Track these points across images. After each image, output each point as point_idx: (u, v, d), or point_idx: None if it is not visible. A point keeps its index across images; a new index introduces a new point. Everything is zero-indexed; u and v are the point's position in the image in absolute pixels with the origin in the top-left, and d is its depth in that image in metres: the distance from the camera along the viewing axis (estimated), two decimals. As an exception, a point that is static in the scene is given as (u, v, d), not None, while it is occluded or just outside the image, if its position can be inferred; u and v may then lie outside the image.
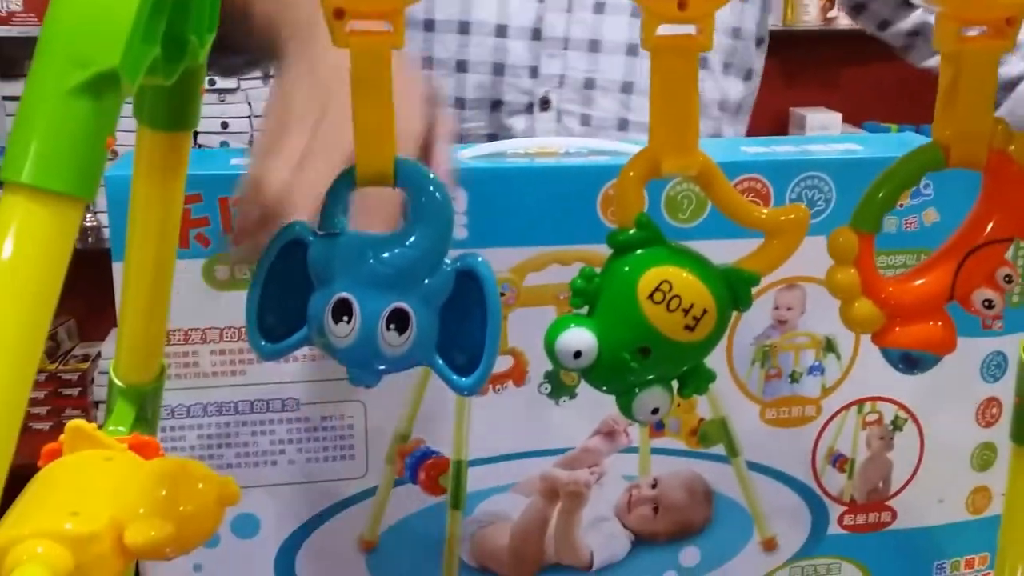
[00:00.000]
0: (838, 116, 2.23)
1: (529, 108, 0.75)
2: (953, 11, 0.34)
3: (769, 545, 0.60)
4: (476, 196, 0.53)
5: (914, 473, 0.61)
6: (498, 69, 0.75)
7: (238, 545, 0.55)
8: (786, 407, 0.58)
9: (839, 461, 0.60)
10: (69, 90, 0.25)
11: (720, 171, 0.35)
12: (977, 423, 0.61)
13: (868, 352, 0.58)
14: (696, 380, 0.36)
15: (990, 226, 0.37)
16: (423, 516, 0.57)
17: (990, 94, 0.35)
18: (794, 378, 0.58)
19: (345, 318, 0.33)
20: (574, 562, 0.59)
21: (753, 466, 0.59)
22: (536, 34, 0.74)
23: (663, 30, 0.32)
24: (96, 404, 2.03)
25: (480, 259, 0.35)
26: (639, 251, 0.34)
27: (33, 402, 1.76)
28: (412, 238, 0.34)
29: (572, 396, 0.56)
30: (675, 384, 0.37)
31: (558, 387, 0.56)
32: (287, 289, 0.35)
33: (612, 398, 0.57)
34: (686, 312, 0.34)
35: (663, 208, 0.54)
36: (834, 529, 0.61)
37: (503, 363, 0.55)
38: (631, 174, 0.34)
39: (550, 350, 0.34)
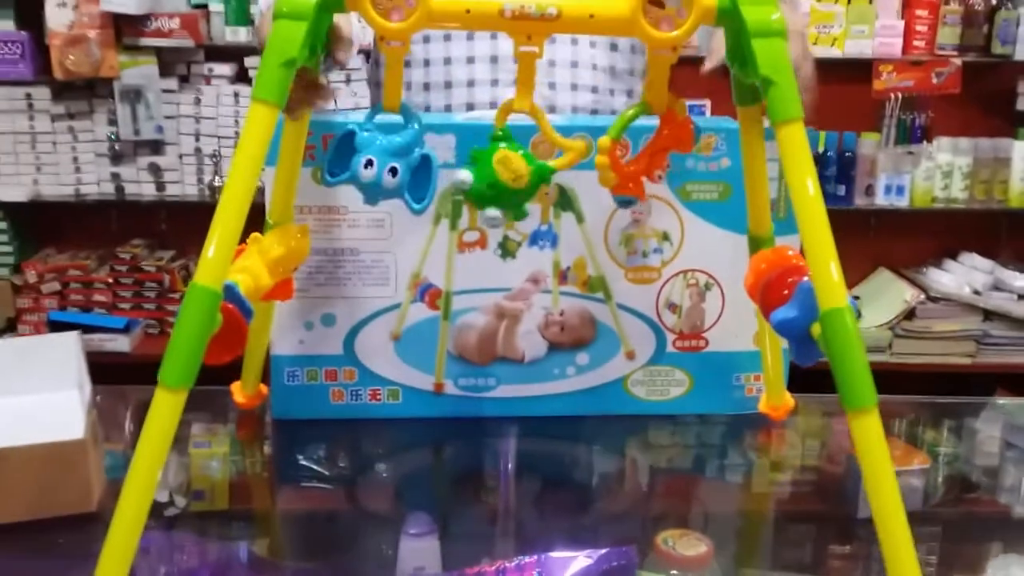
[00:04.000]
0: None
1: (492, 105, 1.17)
2: (649, 43, 0.75)
3: (631, 355, 1.01)
4: (460, 138, 0.95)
5: (718, 318, 1.01)
6: (471, 83, 1.16)
7: (324, 331, 0.99)
8: (640, 272, 0.99)
9: (672, 307, 1.00)
10: (279, 63, 0.69)
11: (543, 113, 0.77)
12: (759, 289, 1.00)
13: (689, 242, 0.99)
14: (517, 211, 0.78)
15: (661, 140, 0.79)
16: (426, 323, 0.99)
17: (664, 82, 0.76)
18: (644, 255, 0.99)
19: (370, 168, 0.76)
20: (513, 356, 1.01)
21: (621, 306, 1.00)
22: (494, 59, 1.16)
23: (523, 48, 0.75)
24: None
25: (432, 151, 0.78)
26: (500, 142, 0.76)
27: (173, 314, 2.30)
28: (405, 134, 0.77)
29: (514, 257, 0.98)
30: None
31: (505, 251, 0.98)
32: (343, 154, 0.78)
33: (539, 260, 1.00)
34: (513, 172, 0.76)
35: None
36: (670, 348, 1.01)
37: (473, 236, 0.98)
38: (500, 111, 0.77)
39: (458, 182, 0.77)
